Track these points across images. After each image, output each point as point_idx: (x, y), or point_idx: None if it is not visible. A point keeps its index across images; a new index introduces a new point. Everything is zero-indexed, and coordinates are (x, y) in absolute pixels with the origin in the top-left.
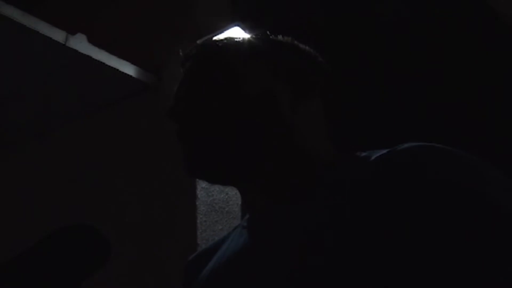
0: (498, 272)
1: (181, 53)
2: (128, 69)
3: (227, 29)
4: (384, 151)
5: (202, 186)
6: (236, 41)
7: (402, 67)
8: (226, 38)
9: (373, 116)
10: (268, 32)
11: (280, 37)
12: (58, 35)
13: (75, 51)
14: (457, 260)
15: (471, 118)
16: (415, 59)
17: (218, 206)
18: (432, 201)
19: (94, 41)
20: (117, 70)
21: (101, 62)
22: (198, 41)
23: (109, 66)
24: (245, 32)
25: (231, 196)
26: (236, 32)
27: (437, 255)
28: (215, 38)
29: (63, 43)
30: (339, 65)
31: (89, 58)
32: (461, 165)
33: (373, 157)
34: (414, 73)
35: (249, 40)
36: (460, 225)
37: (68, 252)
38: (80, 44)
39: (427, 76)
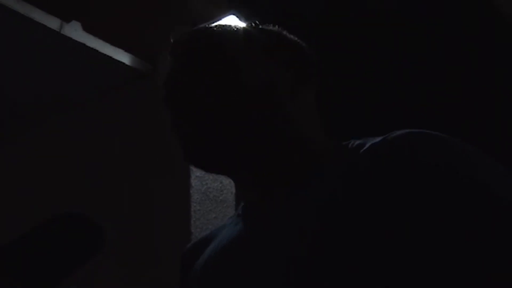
0: (492, 258)
1: (171, 39)
2: (123, 57)
3: (223, 17)
4: (378, 138)
5: (196, 174)
6: (232, 28)
7: (403, 65)
8: (220, 25)
9: (366, 107)
10: (257, 22)
11: (270, 26)
12: (52, 22)
13: (70, 38)
14: (453, 246)
15: (470, 117)
16: (415, 57)
17: (212, 195)
18: (427, 188)
19: (89, 29)
20: (112, 58)
21: (96, 50)
22: (190, 28)
23: (104, 54)
24: (241, 21)
25: (225, 184)
26: (232, 21)
27: (434, 244)
28: (209, 25)
29: (58, 30)
30: (332, 56)
31: (83, 46)
32: (455, 151)
33: (367, 145)
34: (413, 71)
35: (244, 28)
36: (455, 212)
37: (61, 239)
38: (75, 31)
39: (427, 75)
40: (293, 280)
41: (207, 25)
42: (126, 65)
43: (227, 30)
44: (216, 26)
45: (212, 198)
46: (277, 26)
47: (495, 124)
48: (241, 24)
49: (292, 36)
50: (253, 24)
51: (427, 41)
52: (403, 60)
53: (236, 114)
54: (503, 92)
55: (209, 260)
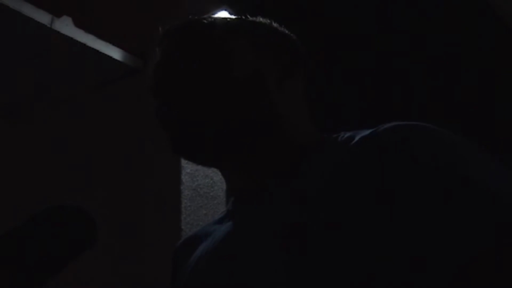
0: (479, 249)
1: (161, 31)
2: (114, 52)
3: (215, 13)
4: (368, 131)
5: (187, 171)
6: (221, 20)
7: (402, 65)
8: (209, 17)
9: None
10: (247, 14)
11: (259, 18)
12: (43, 17)
13: (61, 34)
14: (440, 239)
15: (469, 117)
16: (414, 57)
17: (203, 191)
18: (416, 180)
19: (80, 24)
20: (103, 53)
21: (87, 45)
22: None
23: (95, 49)
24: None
25: (216, 181)
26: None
27: (420, 234)
28: (196, 17)
29: (48, 25)
30: (324, 49)
31: (74, 41)
32: (445, 143)
33: (356, 137)
34: (412, 71)
35: (233, 20)
36: (446, 205)
37: (54, 232)
38: (66, 27)
39: (426, 75)
40: (286, 275)
41: (197, 18)
42: (118, 60)
43: (216, 22)
44: (205, 18)
45: (203, 194)
46: (267, 19)
47: (491, 121)
48: (231, 17)
49: (282, 29)
50: (243, 17)
51: (424, 38)
52: (398, 57)
53: (222, 105)
54: (500, 91)
55: (203, 257)
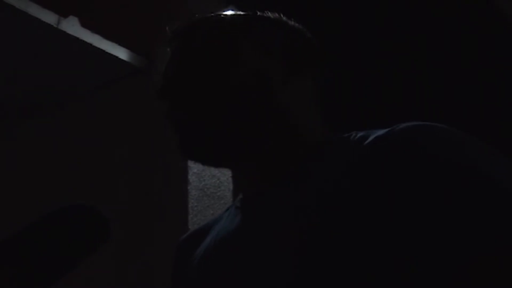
0: (493, 244)
1: (168, 31)
2: (120, 52)
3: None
4: (383, 131)
5: (193, 171)
6: (226, 17)
7: (403, 65)
8: (215, 15)
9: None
10: (256, 10)
11: (269, 13)
12: (49, 17)
13: (67, 34)
14: (454, 237)
15: (470, 117)
16: (415, 57)
17: (210, 191)
18: (430, 179)
19: (86, 24)
20: (109, 53)
21: (93, 45)
22: (186, 21)
23: (101, 49)
24: None
25: (222, 181)
26: None
27: (434, 233)
28: (203, 16)
29: (55, 25)
30: (333, 45)
31: (80, 41)
32: (459, 143)
33: (371, 137)
34: (413, 72)
35: (238, 16)
36: (459, 203)
37: (66, 230)
38: (72, 27)
39: (427, 75)
40: (293, 272)
41: (204, 16)
42: (123, 60)
43: (222, 20)
44: (211, 16)
45: (210, 194)
46: (277, 14)
47: (495, 123)
48: (240, 13)
49: (292, 23)
50: (251, 13)
51: (425, 38)
52: (398, 57)
53: (227, 105)
54: (503, 91)
55: (208, 251)
